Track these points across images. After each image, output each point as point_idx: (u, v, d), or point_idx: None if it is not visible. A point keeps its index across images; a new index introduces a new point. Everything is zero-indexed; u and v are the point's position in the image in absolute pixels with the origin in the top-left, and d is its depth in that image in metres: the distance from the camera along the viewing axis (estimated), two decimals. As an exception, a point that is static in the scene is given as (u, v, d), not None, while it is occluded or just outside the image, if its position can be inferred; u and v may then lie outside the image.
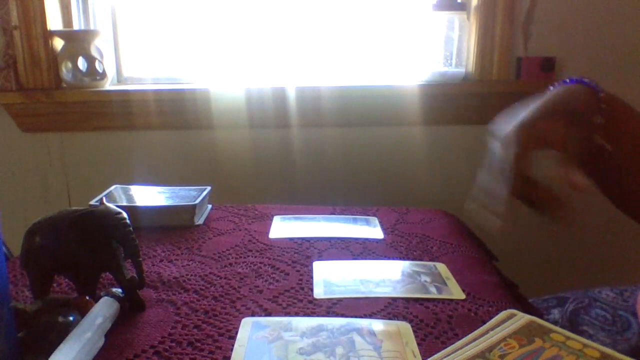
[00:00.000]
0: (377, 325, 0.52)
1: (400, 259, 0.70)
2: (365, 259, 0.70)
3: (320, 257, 0.70)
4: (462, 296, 0.59)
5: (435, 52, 1.31)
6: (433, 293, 0.60)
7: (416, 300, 0.58)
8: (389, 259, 0.70)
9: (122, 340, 0.50)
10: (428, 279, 0.64)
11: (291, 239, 0.77)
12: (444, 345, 0.48)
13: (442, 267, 0.67)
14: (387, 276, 0.65)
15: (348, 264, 0.68)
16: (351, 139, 1.36)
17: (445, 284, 0.62)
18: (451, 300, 0.59)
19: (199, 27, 1.35)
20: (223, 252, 0.72)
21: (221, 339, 0.50)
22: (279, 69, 1.35)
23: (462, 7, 1.28)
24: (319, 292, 0.60)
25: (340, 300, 0.58)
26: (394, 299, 0.58)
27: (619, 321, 0.73)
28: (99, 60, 1.27)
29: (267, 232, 0.80)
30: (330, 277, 0.64)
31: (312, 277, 0.64)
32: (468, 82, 1.31)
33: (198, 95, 1.28)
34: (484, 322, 0.49)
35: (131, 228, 0.55)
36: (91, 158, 1.35)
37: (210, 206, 0.91)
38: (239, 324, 0.53)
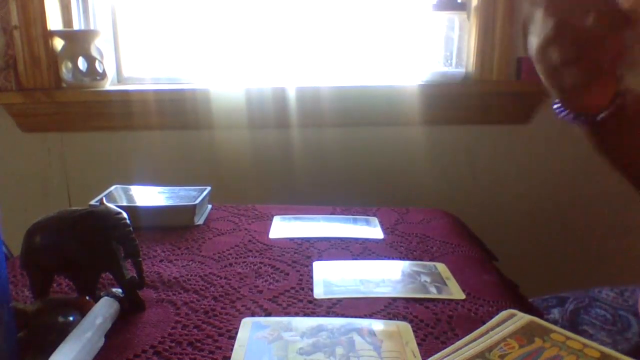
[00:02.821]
0: (377, 325, 0.52)
1: (400, 259, 0.70)
2: (365, 259, 0.70)
3: (320, 257, 0.70)
4: (462, 296, 0.59)
5: (435, 52, 1.31)
6: (433, 293, 0.60)
7: (416, 300, 0.58)
8: (389, 259, 0.70)
9: (122, 340, 0.50)
10: (428, 279, 0.64)
11: (291, 239, 0.77)
12: (444, 345, 0.48)
13: (442, 267, 0.67)
14: (387, 276, 0.65)
15: (348, 264, 0.68)
16: (351, 139, 1.36)
17: (445, 284, 0.62)
18: (451, 300, 0.59)
19: (199, 27, 1.35)
20: (223, 252, 0.72)
21: (221, 339, 0.50)
22: (279, 69, 1.35)
23: (462, 7, 1.28)
24: (319, 292, 0.60)
25: (340, 300, 0.58)
26: (394, 299, 0.58)
27: (619, 321, 0.73)
28: (99, 60, 1.27)
29: (267, 232, 0.80)
30: (330, 277, 0.64)
31: (312, 277, 0.64)
32: (468, 82, 1.31)
33: (198, 95, 1.28)
34: (484, 322, 0.49)
35: (131, 228, 0.55)
36: (91, 158, 1.35)
37: (210, 206, 0.91)
38: (239, 324, 0.53)
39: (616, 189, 0.79)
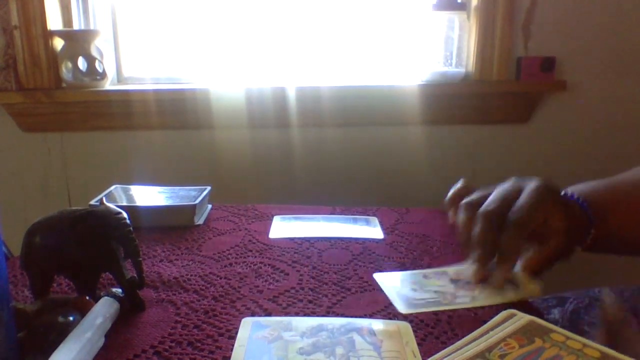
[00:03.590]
0: (377, 325, 0.52)
1: (400, 259, 0.70)
2: (365, 258, 0.70)
3: (320, 257, 0.70)
4: (462, 296, 0.59)
5: (435, 52, 1.31)
6: (433, 293, 0.60)
7: (416, 300, 0.58)
8: (388, 259, 0.70)
9: (122, 340, 0.50)
10: (428, 279, 0.64)
11: (291, 239, 0.77)
12: (444, 345, 0.48)
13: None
14: (387, 276, 0.65)
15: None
16: (351, 139, 1.36)
17: (445, 284, 0.62)
18: (451, 300, 0.59)
19: (199, 27, 1.35)
20: (223, 252, 0.72)
21: (221, 339, 0.50)
22: (279, 69, 1.35)
23: (462, 7, 1.29)
24: (319, 292, 0.60)
25: (340, 300, 0.58)
26: (394, 299, 0.58)
27: (619, 321, 0.72)
28: (99, 60, 1.27)
29: (267, 232, 0.80)
30: (330, 277, 0.64)
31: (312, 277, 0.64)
32: (468, 82, 1.31)
33: (198, 95, 1.28)
34: (484, 322, 0.49)
35: (131, 228, 0.55)
36: (91, 158, 1.35)
37: (210, 206, 0.91)
38: (239, 324, 0.53)
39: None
